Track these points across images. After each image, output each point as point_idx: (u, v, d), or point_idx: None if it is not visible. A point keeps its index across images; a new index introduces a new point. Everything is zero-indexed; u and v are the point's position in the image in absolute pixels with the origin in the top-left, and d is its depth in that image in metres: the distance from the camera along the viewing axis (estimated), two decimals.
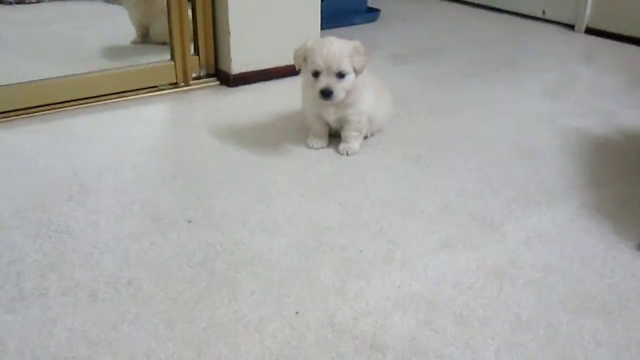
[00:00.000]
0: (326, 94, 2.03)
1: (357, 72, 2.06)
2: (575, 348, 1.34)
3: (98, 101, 2.61)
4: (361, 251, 1.66)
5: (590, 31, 3.76)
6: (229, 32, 2.77)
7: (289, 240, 1.70)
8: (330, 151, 2.23)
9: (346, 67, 2.03)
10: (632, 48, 3.47)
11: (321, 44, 2.04)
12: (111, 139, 2.31)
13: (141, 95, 2.70)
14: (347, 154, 2.19)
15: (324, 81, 2.03)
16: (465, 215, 1.83)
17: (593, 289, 1.53)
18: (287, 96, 2.62)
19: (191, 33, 2.81)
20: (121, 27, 3.37)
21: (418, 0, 4.61)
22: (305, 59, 2.07)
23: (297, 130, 2.36)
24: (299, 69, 2.13)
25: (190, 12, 2.80)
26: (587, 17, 3.76)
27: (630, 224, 1.80)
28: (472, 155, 2.20)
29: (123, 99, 2.66)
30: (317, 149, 2.23)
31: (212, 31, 2.85)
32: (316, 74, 2.04)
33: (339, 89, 2.04)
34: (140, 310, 1.43)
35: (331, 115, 2.17)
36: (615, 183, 2.03)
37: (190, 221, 1.78)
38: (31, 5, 4.11)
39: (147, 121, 2.50)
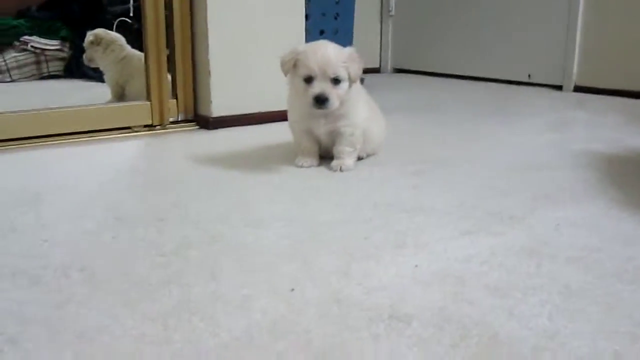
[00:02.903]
0: (321, 100, 1.81)
1: (351, 80, 1.86)
2: None
3: (68, 138, 2.38)
4: (366, 238, 1.39)
5: (578, 89, 3.68)
6: (209, 73, 2.61)
7: (278, 232, 1.43)
8: (321, 169, 1.98)
9: (341, 73, 1.83)
10: (624, 99, 3.37)
11: (315, 48, 1.85)
12: (77, 163, 2.06)
13: (114, 135, 2.48)
14: (341, 170, 1.94)
15: (318, 87, 1.81)
16: (481, 211, 1.58)
17: None
18: (273, 135, 2.42)
19: (168, 74, 2.65)
20: (98, 95, 3.21)
21: (397, 75, 4.57)
22: (295, 64, 1.86)
23: (283, 154, 2.13)
24: (287, 75, 1.93)
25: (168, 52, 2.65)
26: (575, 75, 3.70)
27: None
28: (478, 170, 1.98)
29: (94, 137, 2.43)
30: (307, 167, 1.98)
31: (191, 73, 2.69)
32: (309, 80, 1.83)
33: (334, 95, 1.82)
34: (92, 291, 1.13)
35: (322, 127, 1.94)
36: (638, 185, 1.81)
37: (162, 220, 1.51)
38: (4, 84, 3.96)
39: (118, 151, 2.27)
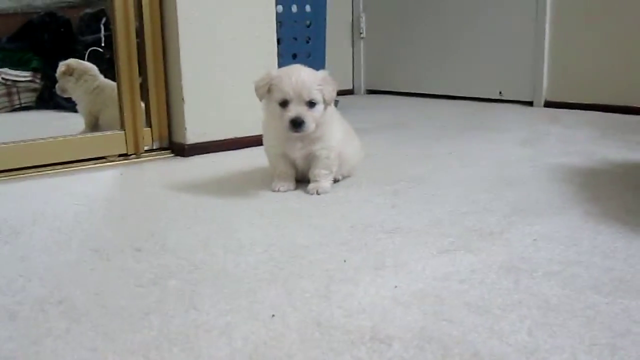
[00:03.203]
0: (297, 123, 1.82)
1: (326, 103, 1.88)
2: (625, 323, 1.07)
3: (43, 170, 2.36)
4: (345, 261, 1.39)
5: (549, 104, 3.74)
6: (182, 100, 2.61)
7: (258, 258, 1.42)
8: (298, 192, 1.99)
9: (316, 96, 1.84)
10: (595, 113, 3.42)
11: (289, 72, 1.86)
12: (53, 194, 2.04)
13: (89, 166, 2.46)
14: (317, 193, 1.95)
15: (294, 110, 1.82)
16: (460, 228, 1.60)
17: (625, 274, 1.28)
18: (249, 160, 2.42)
19: (142, 102, 2.64)
20: (72, 126, 3.18)
21: (370, 96, 4.61)
22: (270, 89, 1.87)
23: (259, 179, 2.13)
24: (261, 100, 1.94)
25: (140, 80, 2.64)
26: (545, 90, 3.77)
27: None
28: (455, 187, 2.00)
29: (68, 168, 2.41)
30: (283, 191, 1.98)
31: (164, 101, 2.68)
32: (284, 104, 1.84)
33: (310, 118, 1.83)
34: (71, 325, 1.12)
35: (297, 151, 1.95)
36: (615, 197, 1.84)
37: (139, 250, 1.49)
38: None
39: (93, 181, 2.25)
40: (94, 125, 3.18)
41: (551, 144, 2.67)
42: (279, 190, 1.98)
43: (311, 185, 1.97)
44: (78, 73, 3.08)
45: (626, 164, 2.24)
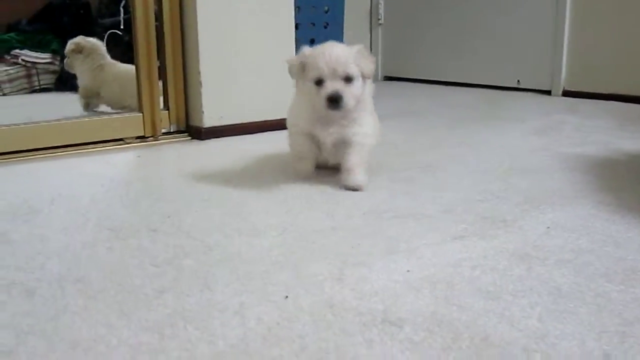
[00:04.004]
0: (335, 99, 1.71)
1: (364, 76, 1.78)
2: (635, 311, 1.08)
3: (61, 151, 2.39)
4: (359, 244, 1.40)
5: (567, 94, 3.72)
6: (200, 83, 2.63)
7: (272, 241, 1.44)
8: (316, 178, 1.98)
9: (353, 70, 1.74)
10: (614, 103, 3.40)
11: (323, 49, 1.77)
12: (70, 174, 2.07)
13: (106, 147, 2.49)
14: (355, 189, 1.80)
15: (330, 86, 1.72)
16: (473, 215, 1.60)
17: (637, 264, 1.29)
18: (265, 145, 2.43)
19: (160, 85, 2.66)
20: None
21: (387, 83, 4.60)
22: (303, 68, 1.78)
23: (275, 164, 2.14)
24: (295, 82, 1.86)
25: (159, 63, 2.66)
26: (563, 80, 3.74)
27: None
28: (469, 175, 2.00)
29: (86, 150, 2.44)
30: (302, 174, 1.92)
31: (182, 85, 2.70)
32: (319, 82, 1.74)
33: (349, 94, 1.73)
34: (87, 302, 1.14)
35: (328, 136, 1.83)
36: (629, 188, 1.83)
37: (155, 230, 1.51)
38: None
39: (111, 163, 2.28)
40: (90, 103, 3.23)
41: (567, 133, 2.66)
42: (298, 173, 1.92)
43: (347, 179, 1.81)
44: (87, 51, 3.17)
45: None
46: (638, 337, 0.99)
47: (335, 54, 1.74)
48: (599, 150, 2.32)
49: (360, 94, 1.77)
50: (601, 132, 2.65)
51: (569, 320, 1.05)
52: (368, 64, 1.78)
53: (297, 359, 0.95)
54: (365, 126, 1.84)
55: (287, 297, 1.15)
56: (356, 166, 1.82)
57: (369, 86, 1.86)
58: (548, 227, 1.50)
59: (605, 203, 1.69)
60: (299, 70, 1.79)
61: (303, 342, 0.99)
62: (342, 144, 1.84)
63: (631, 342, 0.98)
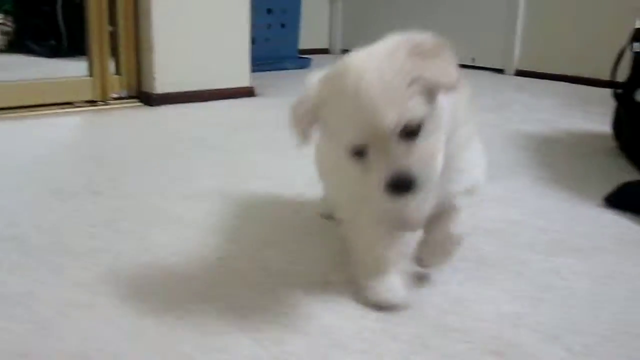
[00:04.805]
0: (404, 186, 0.86)
1: (444, 91, 0.89)
2: (550, 278, 1.14)
3: (7, 112, 2.35)
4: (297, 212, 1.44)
5: (520, 73, 3.79)
6: (152, 49, 2.61)
7: (213, 207, 1.46)
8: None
9: (419, 110, 0.86)
10: (562, 83, 3.49)
11: (353, 82, 0.88)
12: (15, 136, 2.05)
13: (54, 111, 2.46)
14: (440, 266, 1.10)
15: (384, 163, 0.86)
16: None
17: (561, 235, 1.35)
18: (216, 112, 2.44)
19: (110, 49, 2.63)
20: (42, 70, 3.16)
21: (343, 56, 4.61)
22: (317, 121, 0.92)
23: (224, 131, 2.15)
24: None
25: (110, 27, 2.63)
26: (516, 60, 3.81)
27: (588, 192, 1.64)
28: None
29: (34, 112, 2.41)
30: (397, 304, 1.03)
31: (134, 50, 2.68)
32: (360, 153, 0.88)
33: (423, 163, 0.87)
34: (22, 259, 1.15)
35: (417, 218, 1.04)
36: (567, 163, 1.91)
37: (97, 193, 1.52)
38: None
39: (58, 126, 2.26)
40: None
41: (514, 111, 2.73)
42: (389, 302, 1.02)
43: (430, 258, 1.08)
44: None
45: (581, 134, 2.31)
46: (549, 301, 1.05)
47: (379, 87, 0.85)
48: (542, 127, 2.39)
49: (441, 141, 0.91)
50: (547, 110, 2.73)
51: (487, 285, 1.10)
52: (442, 69, 0.88)
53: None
54: (476, 167, 1.10)
55: (220, 258, 1.18)
56: (447, 241, 1.08)
57: (464, 92, 1.00)
58: (481, 200, 1.55)
59: (541, 178, 1.75)
60: (310, 127, 0.92)
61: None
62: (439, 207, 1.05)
63: (543, 306, 1.04)
